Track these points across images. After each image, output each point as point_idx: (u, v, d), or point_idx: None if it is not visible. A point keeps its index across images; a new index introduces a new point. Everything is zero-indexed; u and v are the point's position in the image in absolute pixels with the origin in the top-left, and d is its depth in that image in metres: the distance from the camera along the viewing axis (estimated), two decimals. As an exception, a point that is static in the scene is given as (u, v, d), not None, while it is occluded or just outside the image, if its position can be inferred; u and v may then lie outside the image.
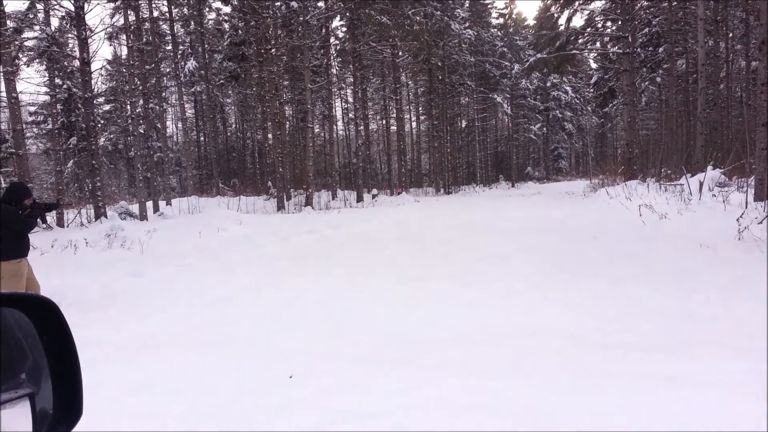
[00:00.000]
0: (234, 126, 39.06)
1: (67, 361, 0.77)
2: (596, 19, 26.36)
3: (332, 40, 28.92)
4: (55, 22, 19.09)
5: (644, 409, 2.58)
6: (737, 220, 7.79)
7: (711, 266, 6.07)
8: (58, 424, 0.74)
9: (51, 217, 12.96)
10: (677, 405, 2.60)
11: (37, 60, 21.82)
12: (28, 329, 0.75)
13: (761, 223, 7.81)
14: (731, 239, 7.48)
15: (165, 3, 24.54)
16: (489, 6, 42.96)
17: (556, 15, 25.40)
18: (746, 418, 2.43)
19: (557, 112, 47.95)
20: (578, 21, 58.67)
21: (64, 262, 8.50)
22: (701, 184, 11.99)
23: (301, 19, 20.69)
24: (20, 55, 19.47)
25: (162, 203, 19.15)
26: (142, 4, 19.24)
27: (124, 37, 20.45)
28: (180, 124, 33.70)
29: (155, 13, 22.72)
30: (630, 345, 3.57)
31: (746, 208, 8.95)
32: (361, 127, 26.28)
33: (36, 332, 0.76)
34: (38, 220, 5.67)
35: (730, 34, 25.37)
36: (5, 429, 0.66)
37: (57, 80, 22.05)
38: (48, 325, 0.77)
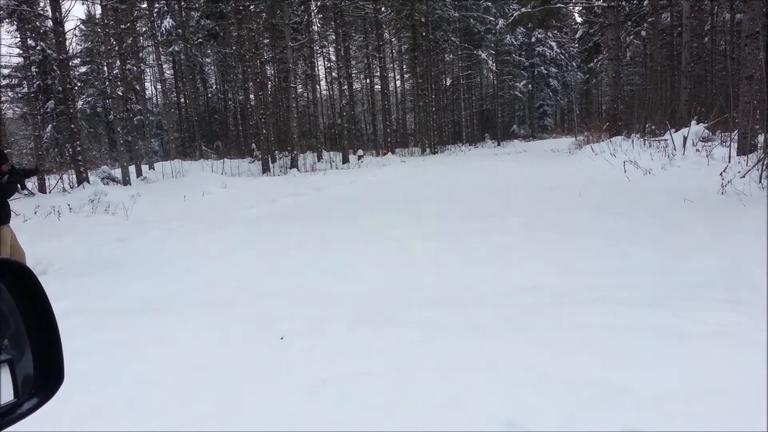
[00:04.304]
0: (215, 87, 38.24)
1: (46, 326, 0.76)
2: (582, -29, 25.89)
3: (313, -5, 28.13)
4: (23, -20, 18.30)
5: (639, 362, 2.65)
6: (720, 174, 7.87)
7: (695, 221, 6.15)
8: (40, 390, 0.74)
9: (32, 183, 12.76)
10: (670, 357, 2.66)
11: (7, 20, 21.03)
12: (4, 296, 0.74)
13: (744, 176, 7.89)
14: (714, 194, 7.57)
15: (138, -42, 23.67)
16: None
17: (541, -33, 24.87)
18: (737, 369, 2.50)
19: (542, 68, 47.53)
20: (563, -26, 57.53)
21: (48, 229, 8.41)
22: (685, 139, 12.05)
23: (281, -27, 20.08)
24: (-11, 16, 18.75)
25: (144, 167, 18.89)
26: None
27: (97, -5, 19.70)
28: (159, 86, 32.95)
29: (128, -30, 21.87)
30: (619, 300, 3.63)
31: (729, 162, 9.04)
32: (345, 87, 25.85)
33: (12, 299, 0.74)
34: (18, 186, 5.56)
35: (716, -14, 25.09)
36: None
37: (30, 41, 21.30)
38: (23, 290, 0.75)
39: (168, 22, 29.06)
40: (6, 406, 0.70)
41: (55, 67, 20.39)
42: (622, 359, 2.68)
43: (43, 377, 0.75)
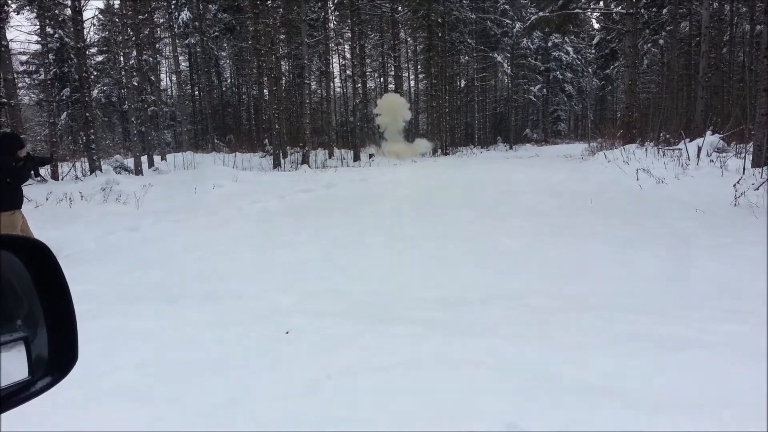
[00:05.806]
0: (229, 80, 38.39)
1: (61, 305, 0.75)
2: (601, -23, 25.75)
3: (330, -8, 28.16)
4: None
5: (641, 368, 2.63)
6: (734, 185, 7.80)
7: (706, 231, 6.10)
8: (53, 369, 0.74)
9: (45, 170, 12.87)
10: (672, 365, 2.64)
11: (27, 7, 21.23)
12: (20, 272, 0.73)
13: (757, 189, 7.81)
14: (727, 205, 7.50)
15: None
16: (491, -39, 41.73)
17: (559, -28, 24.74)
18: (736, 378, 2.48)
19: (558, 73, 47.31)
20: (582, -21, 57.10)
21: (59, 215, 8.47)
22: (699, 149, 11.95)
23: (299, -30, 20.12)
24: (9, 2, 18.91)
25: (157, 158, 19.00)
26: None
27: (117, -15, 19.87)
28: (174, 78, 33.13)
29: (148, -39, 21.97)
30: (624, 306, 3.61)
31: (743, 174, 8.96)
32: (359, 85, 25.87)
33: (29, 276, 0.73)
34: (32, 172, 5.61)
35: (736, -4, 24.85)
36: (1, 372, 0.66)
37: (48, 29, 21.48)
38: (41, 268, 0.75)
39: (185, 15, 29.22)
40: (20, 383, 0.69)
41: (72, 55, 20.57)
42: (624, 365, 2.66)
43: (57, 356, 0.74)
